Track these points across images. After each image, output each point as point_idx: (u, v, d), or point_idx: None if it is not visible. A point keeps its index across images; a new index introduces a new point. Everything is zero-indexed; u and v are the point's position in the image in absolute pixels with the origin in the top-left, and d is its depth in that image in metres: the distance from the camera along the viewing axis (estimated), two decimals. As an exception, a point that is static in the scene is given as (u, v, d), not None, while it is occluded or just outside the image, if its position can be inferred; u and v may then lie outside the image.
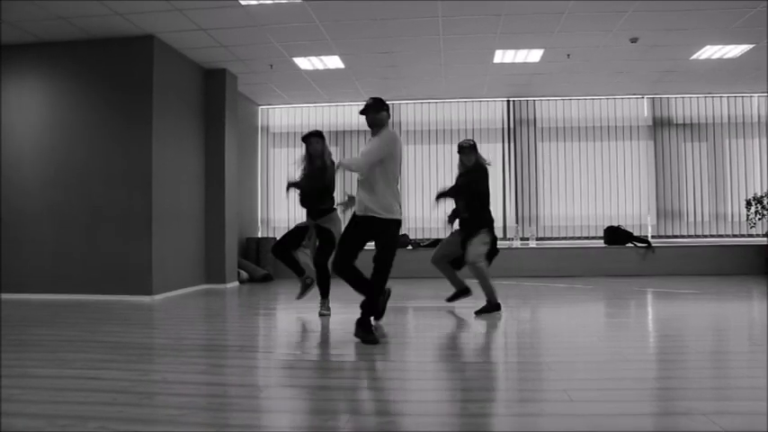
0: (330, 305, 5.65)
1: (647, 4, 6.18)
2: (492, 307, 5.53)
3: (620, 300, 6.67)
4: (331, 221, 5.55)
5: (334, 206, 5.58)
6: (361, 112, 4.61)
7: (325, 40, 7.21)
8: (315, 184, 5.46)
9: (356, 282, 4.49)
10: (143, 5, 6.08)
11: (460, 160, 5.72)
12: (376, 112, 4.56)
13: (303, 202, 5.65)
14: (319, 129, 5.70)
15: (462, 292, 5.95)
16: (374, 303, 4.39)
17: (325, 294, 5.64)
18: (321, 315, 5.54)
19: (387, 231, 4.38)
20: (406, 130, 10.55)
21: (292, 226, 5.96)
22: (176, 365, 3.59)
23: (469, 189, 5.54)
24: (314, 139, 5.52)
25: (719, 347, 4.15)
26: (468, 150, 5.63)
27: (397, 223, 4.46)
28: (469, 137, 10.33)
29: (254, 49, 7.54)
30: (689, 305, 6.17)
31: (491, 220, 5.64)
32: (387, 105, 4.62)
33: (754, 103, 10.18)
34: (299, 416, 2.72)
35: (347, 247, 4.44)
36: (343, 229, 5.26)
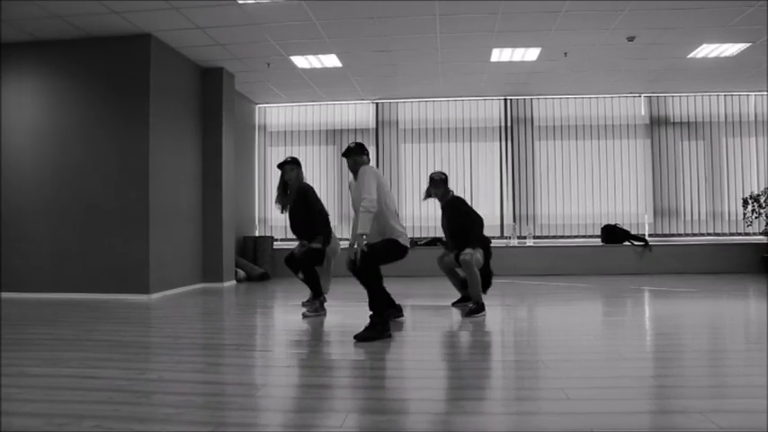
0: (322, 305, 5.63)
1: (643, 3, 6.18)
2: (479, 308, 5.42)
3: (617, 298, 6.68)
4: (322, 240, 5.59)
5: (328, 226, 5.64)
6: (344, 155, 4.82)
7: (322, 39, 7.20)
8: (302, 218, 5.59)
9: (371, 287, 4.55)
10: (140, 4, 6.07)
11: (428, 189, 5.82)
12: (357, 155, 4.75)
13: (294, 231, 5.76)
14: (296, 156, 5.84)
15: (467, 297, 5.89)
16: (381, 302, 4.47)
17: (318, 291, 5.62)
18: (304, 316, 5.51)
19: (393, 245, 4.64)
20: (404, 129, 10.54)
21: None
22: (173, 364, 3.59)
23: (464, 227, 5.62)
24: (288, 167, 5.61)
25: (716, 346, 4.15)
26: (438, 183, 5.74)
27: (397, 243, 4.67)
28: (466, 137, 10.37)
29: (251, 47, 7.53)
30: (686, 303, 6.18)
31: (478, 240, 5.57)
32: (367, 150, 4.84)
33: (751, 102, 10.20)
34: (296, 414, 2.71)
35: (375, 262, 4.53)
36: (336, 245, 5.65)
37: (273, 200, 5.88)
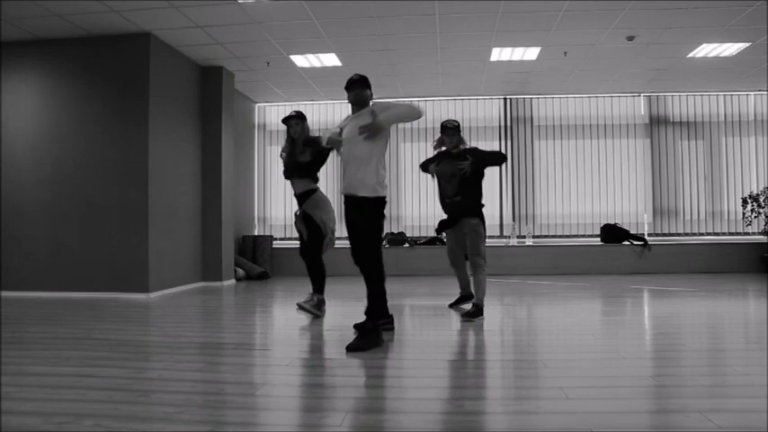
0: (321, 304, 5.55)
1: (643, 3, 6.19)
2: (479, 311, 5.24)
3: (616, 298, 6.68)
4: (314, 205, 5.38)
5: (315, 186, 5.45)
6: (347, 88, 4.43)
7: (322, 38, 7.20)
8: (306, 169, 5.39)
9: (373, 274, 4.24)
10: (140, 3, 6.06)
11: (441, 140, 5.55)
12: (362, 88, 4.39)
13: (288, 176, 5.53)
14: (300, 110, 5.58)
15: (466, 297, 5.82)
16: (382, 306, 4.26)
17: (319, 289, 5.49)
18: (312, 316, 5.45)
19: (378, 209, 4.29)
20: (403, 128, 10.54)
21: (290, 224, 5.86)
22: (172, 363, 3.58)
23: (477, 166, 5.34)
24: (293, 121, 5.45)
25: (715, 345, 4.16)
26: (452, 131, 5.47)
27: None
28: (466, 135, 10.37)
29: (250, 46, 7.52)
30: (685, 303, 6.18)
31: (481, 207, 5.45)
32: (370, 85, 4.46)
33: (750, 101, 10.20)
34: (295, 413, 2.71)
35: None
36: (328, 210, 5.30)
37: (279, 153, 5.63)
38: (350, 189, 4.29)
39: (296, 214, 5.51)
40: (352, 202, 4.34)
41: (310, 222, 5.40)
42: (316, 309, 5.43)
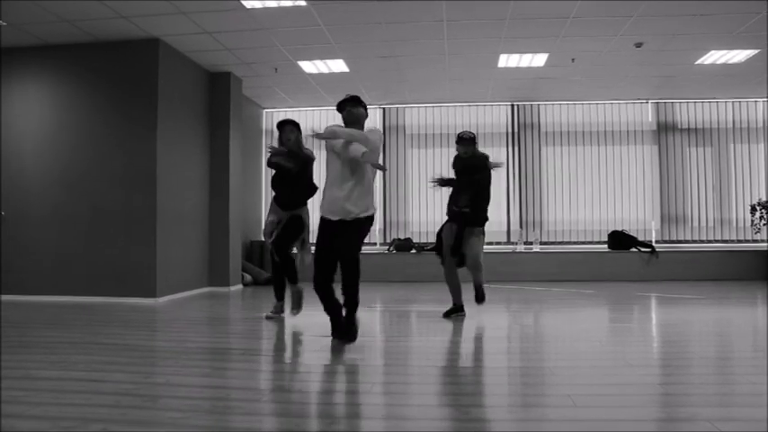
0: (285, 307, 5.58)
1: (651, 9, 6.17)
2: (481, 297, 5.59)
3: (623, 305, 6.65)
4: (303, 211, 5.44)
5: (306, 200, 5.49)
6: (338, 108, 4.32)
7: (329, 44, 7.22)
8: (297, 181, 5.34)
9: (331, 300, 4.20)
10: (148, 8, 6.10)
11: (457, 151, 5.64)
12: (353, 106, 4.25)
13: (280, 199, 5.45)
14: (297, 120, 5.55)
15: (457, 309, 5.62)
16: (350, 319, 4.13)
17: (280, 295, 5.44)
18: (268, 317, 5.50)
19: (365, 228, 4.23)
20: (410, 134, 10.55)
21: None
22: (179, 368, 3.59)
23: (479, 185, 5.47)
24: (288, 128, 5.37)
25: (723, 353, 4.13)
26: (467, 142, 5.50)
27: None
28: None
29: (258, 52, 7.56)
30: (692, 310, 6.15)
31: (486, 219, 5.60)
32: (364, 104, 4.33)
33: (758, 108, 10.16)
34: (302, 419, 2.72)
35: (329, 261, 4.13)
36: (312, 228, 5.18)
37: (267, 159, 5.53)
38: (336, 213, 4.12)
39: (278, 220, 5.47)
40: (337, 225, 4.11)
41: (294, 223, 5.36)
42: (277, 313, 5.50)
